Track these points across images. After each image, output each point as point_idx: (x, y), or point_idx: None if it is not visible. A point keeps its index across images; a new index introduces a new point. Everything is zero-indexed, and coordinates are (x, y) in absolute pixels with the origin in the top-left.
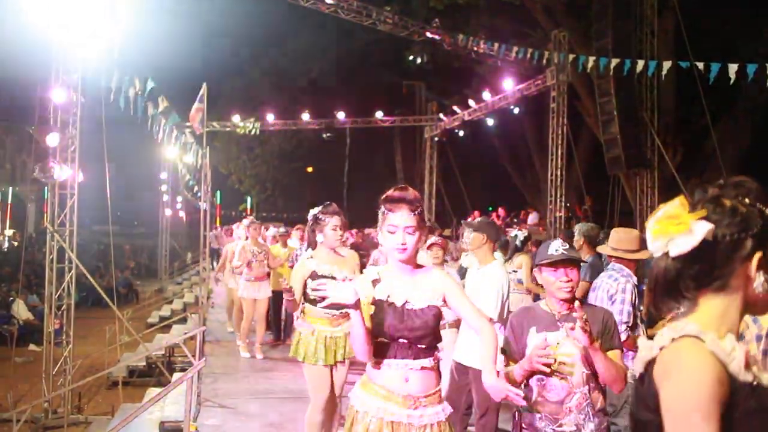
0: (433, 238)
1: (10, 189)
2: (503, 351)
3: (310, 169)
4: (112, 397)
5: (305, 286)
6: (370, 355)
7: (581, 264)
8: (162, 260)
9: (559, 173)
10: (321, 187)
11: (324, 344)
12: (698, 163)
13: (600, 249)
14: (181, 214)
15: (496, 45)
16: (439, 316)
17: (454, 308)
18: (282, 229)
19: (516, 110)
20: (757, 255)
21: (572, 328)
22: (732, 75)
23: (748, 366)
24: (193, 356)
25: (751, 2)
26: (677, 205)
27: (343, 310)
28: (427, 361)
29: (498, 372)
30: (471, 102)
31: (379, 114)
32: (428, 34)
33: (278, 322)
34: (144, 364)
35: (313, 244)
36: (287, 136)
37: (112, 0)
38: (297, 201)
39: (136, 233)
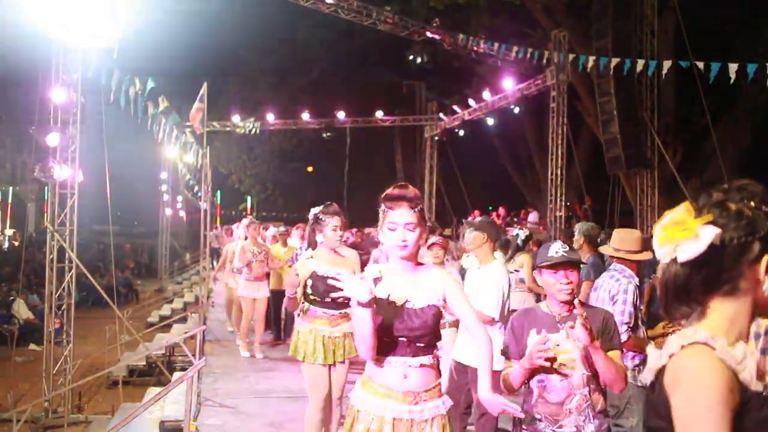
0: (433, 238)
1: (11, 189)
2: (503, 352)
3: (310, 169)
4: (113, 396)
5: (305, 285)
6: (373, 354)
7: (582, 265)
8: (162, 260)
9: (559, 173)
10: (321, 187)
11: (322, 344)
12: (698, 162)
13: (602, 249)
14: (182, 213)
15: (496, 45)
16: (438, 315)
17: (453, 310)
18: (282, 229)
19: (516, 110)
20: (766, 258)
21: (572, 327)
22: (732, 75)
23: (761, 375)
24: (193, 356)
25: (751, 2)
26: (683, 210)
27: (343, 311)
28: (426, 359)
29: (499, 372)
30: (471, 102)
31: (379, 114)
32: (428, 34)
33: (278, 322)
34: (144, 363)
35: (313, 244)
36: (287, 135)
37: (112, 0)
38: (297, 200)
39: (137, 233)
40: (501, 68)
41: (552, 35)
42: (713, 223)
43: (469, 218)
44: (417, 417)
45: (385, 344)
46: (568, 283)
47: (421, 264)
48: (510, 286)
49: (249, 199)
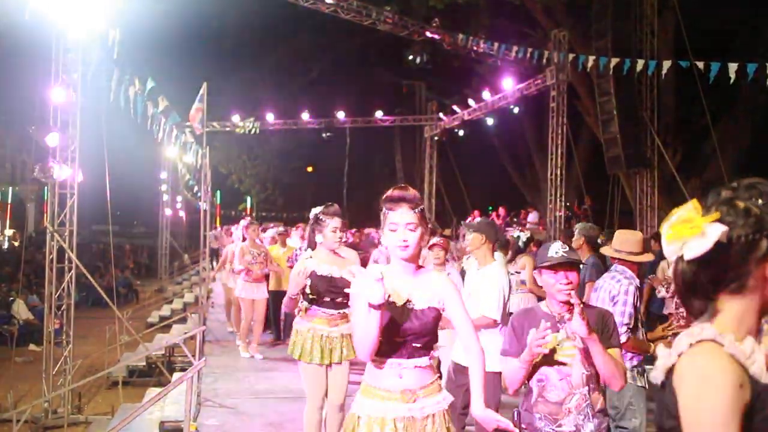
0: (434, 239)
1: (10, 189)
2: (504, 352)
3: (310, 169)
4: (112, 397)
5: (304, 285)
6: (372, 356)
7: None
8: (162, 260)
9: (558, 173)
10: (321, 187)
11: (320, 343)
12: (698, 162)
13: (603, 250)
14: (181, 213)
15: (496, 44)
16: (438, 318)
17: (450, 316)
18: (281, 229)
19: (516, 110)
20: None
21: (569, 319)
22: (732, 75)
23: None
24: (193, 356)
25: (751, 2)
26: (690, 208)
27: (342, 311)
28: (422, 361)
29: (499, 374)
30: (471, 101)
31: (379, 113)
32: (428, 34)
33: (278, 322)
34: (144, 364)
35: (312, 245)
36: (287, 135)
37: (112, 0)
38: (297, 200)
39: (136, 233)
40: (501, 68)
41: (552, 35)
42: (720, 220)
43: (469, 219)
44: (417, 414)
45: (382, 345)
46: (568, 284)
47: (422, 267)
48: (510, 287)
49: (249, 199)
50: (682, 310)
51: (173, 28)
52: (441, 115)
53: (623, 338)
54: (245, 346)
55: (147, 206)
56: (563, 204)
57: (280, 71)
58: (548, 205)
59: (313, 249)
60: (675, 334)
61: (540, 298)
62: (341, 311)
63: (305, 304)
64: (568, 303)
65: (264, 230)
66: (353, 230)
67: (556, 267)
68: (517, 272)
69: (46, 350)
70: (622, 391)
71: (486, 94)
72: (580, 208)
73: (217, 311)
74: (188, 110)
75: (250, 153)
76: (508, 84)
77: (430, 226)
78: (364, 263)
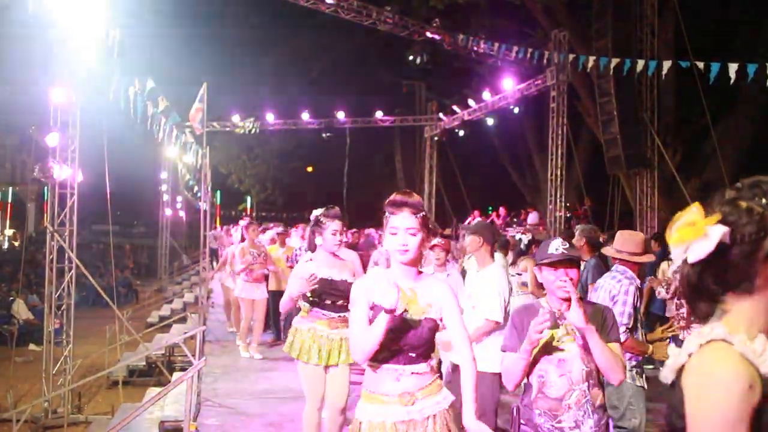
0: (435, 240)
1: (10, 189)
2: (504, 348)
3: (310, 169)
4: (112, 396)
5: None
6: (367, 360)
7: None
8: (162, 260)
9: (558, 173)
10: (321, 187)
11: (318, 344)
12: (698, 163)
13: (604, 250)
14: (181, 213)
15: (496, 45)
16: (434, 329)
17: (446, 324)
18: (280, 229)
19: (516, 110)
20: None
21: (567, 308)
22: (732, 75)
23: None
24: (193, 356)
25: (751, 2)
26: (694, 211)
27: (342, 314)
28: (419, 368)
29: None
30: (471, 102)
31: (378, 114)
32: (428, 34)
33: (278, 322)
34: (144, 363)
35: (312, 247)
36: (287, 135)
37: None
38: (297, 200)
39: (136, 233)
40: (501, 68)
41: (552, 35)
42: (723, 221)
43: (469, 219)
44: (417, 416)
45: (379, 352)
46: (568, 280)
47: (421, 272)
48: (510, 288)
49: (248, 199)
50: (682, 311)
51: (173, 28)
52: (441, 115)
53: (622, 338)
54: (245, 346)
55: (147, 206)
56: (563, 204)
57: (280, 71)
58: (548, 205)
59: (312, 251)
60: (674, 336)
61: None
62: (342, 314)
63: (307, 306)
64: (567, 300)
65: (263, 231)
66: (353, 230)
67: (556, 264)
68: (518, 274)
69: (46, 350)
70: (622, 391)
71: (486, 95)
72: (580, 208)
73: (217, 311)
74: (188, 110)
75: (250, 153)
76: (508, 84)
77: (430, 227)
78: (363, 264)
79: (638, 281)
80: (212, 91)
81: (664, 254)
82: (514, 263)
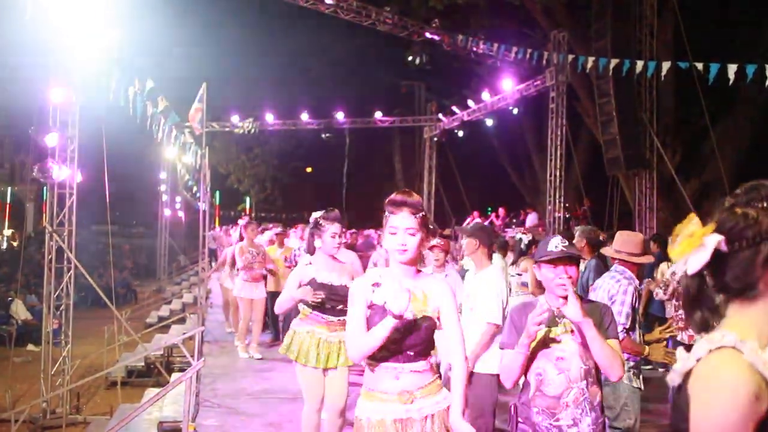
0: (434, 240)
1: (9, 189)
2: (502, 345)
3: (309, 169)
4: (111, 397)
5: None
6: (364, 359)
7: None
8: (161, 260)
9: (558, 174)
10: (320, 187)
11: (317, 347)
12: (697, 163)
13: (603, 251)
14: (180, 214)
15: (496, 45)
16: (432, 327)
17: (443, 324)
18: (278, 229)
19: (515, 111)
20: None
21: (564, 304)
22: (731, 76)
23: None
24: (192, 356)
25: (751, 2)
26: (693, 222)
27: (342, 318)
28: (419, 366)
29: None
30: (470, 102)
31: (378, 114)
32: (427, 35)
33: (276, 323)
34: (143, 364)
35: (311, 249)
36: (286, 136)
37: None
38: (296, 201)
39: (135, 233)
40: (500, 69)
41: (551, 36)
42: (718, 229)
43: (468, 219)
44: (416, 415)
45: (378, 350)
46: (568, 278)
47: (420, 271)
48: (510, 289)
49: (248, 199)
50: (680, 312)
51: (173, 28)
52: (440, 115)
53: (620, 337)
54: (244, 346)
55: (146, 206)
56: (562, 205)
57: (280, 72)
58: (547, 206)
59: (311, 254)
60: (672, 337)
61: None
62: (341, 318)
63: (307, 309)
64: (566, 297)
65: (262, 231)
66: (352, 230)
67: (555, 261)
68: (518, 274)
69: (45, 350)
70: (618, 391)
71: (485, 95)
72: (579, 209)
73: (216, 311)
74: (188, 110)
75: (249, 153)
76: (508, 85)
77: (430, 227)
78: (362, 265)
79: (637, 281)
80: (212, 92)
81: (663, 255)
82: (514, 263)
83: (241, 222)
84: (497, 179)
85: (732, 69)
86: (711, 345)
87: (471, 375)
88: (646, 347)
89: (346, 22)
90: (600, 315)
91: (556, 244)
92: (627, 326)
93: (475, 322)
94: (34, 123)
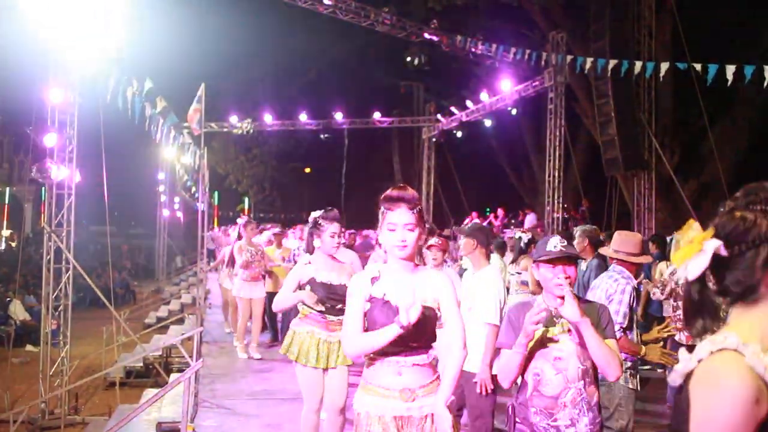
0: (432, 240)
1: (8, 189)
2: (500, 345)
3: (308, 170)
4: (109, 397)
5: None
6: (363, 354)
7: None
8: (159, 261)
9: (556, 174)
10: (319, 188)
11: (317, 347)
12: (696, 164)
13: (602, 251)
14: (179, 214)
15: (494, 46)
16: (433, 318)
17: (443, 316)
18: (277, 230)
19: (514, 111)
20: None
21: (561, 304)
22: (729, 76)
23: None
24: (191, 357)
25: (750, 3)
26: (693, 228)
27: (341, 317)
28: (420, 359)
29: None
30: (469, 103)
31: (377, 115)
32: (426, 35)
33: (275, 323)
34: (141, 364)
35: (310, 249)
36: (285, 136)
37: (110, 0)
38: (295, 201)
39: (134, 234)
40: (499, 70)
41: (550, 37)
42: (716, 234)
43: (466, 220)
44: (416, 414)
45: None
46: (566, 278)
47: (419, 265)
48: (507, 289)
49: (246, 199)
50: (678, 313)
51: (172, 28)
52: (439, 116)
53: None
54: (243, 347)
55: (145, 207)
56: (561, 206)
57: (278, 72)
58: (546, 206)
59: (311, 253)
60: (670, 336)
61: None
62: (340, 317)
63: (306, 309)
64: (564, 298)
65: (260, 232)
66: (350, 231)
67: (554, 261)
68: (518, 273)
69: (43, 351)
70: (612, 392)
71: (484, 96)
72: (578, 210)
73: (215, 312)
74: (186, 111)
75: (248, 154)
76: (506, 86)
77: (427, 226)
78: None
79: (635, 281)
80: (210, 92)
81: (662, 255)
82: (514, 262)
83: (240, 221)
84: (496, 180)
85: (730, 70)
86: (713, 346)
87: (471, 376)
88: (643, 347)
89: (344, 23)
90: (597, 315)
91: (554, 244)
92: (624, 326)
93: (473, 322)
94: (32, 123)
